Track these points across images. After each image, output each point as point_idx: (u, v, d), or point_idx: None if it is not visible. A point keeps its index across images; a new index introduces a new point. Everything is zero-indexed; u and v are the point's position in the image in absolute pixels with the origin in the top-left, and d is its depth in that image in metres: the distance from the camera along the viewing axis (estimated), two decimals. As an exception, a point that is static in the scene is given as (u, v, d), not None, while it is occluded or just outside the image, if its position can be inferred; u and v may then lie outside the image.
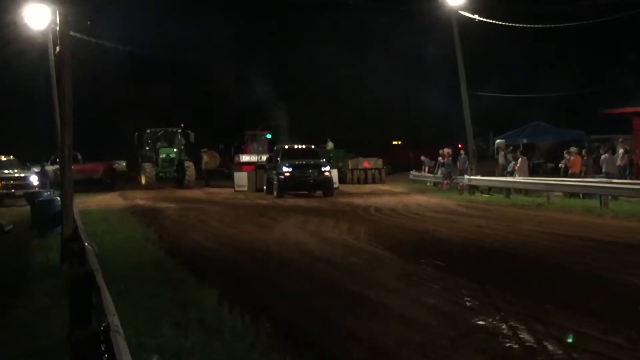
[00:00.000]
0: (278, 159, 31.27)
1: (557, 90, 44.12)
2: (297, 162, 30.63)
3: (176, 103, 55.33)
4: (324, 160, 31.82)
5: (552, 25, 34.12)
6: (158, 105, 53.16)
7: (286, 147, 32.68)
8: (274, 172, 31.21)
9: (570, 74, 46.65)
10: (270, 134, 41.19)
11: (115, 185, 39.44)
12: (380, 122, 55.55)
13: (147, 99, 53.50)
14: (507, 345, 7.25)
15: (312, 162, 30.85)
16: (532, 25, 34.29)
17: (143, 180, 39.57)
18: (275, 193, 30.81)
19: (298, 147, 32.54)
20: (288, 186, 30.56)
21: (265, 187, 33.20)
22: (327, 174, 31.02)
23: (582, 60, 48.96)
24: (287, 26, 56.69)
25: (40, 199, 19.47)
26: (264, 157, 35.73)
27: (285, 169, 30.35)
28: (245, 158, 38.08)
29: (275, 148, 34.37)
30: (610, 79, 42.07)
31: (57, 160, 37.67)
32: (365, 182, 40.56)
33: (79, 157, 38.59)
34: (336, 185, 33.65)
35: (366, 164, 41.92)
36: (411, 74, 44.98)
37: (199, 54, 42.57)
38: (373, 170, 41.74)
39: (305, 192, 31.22)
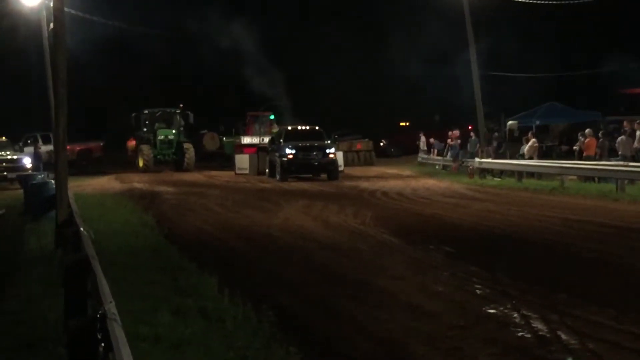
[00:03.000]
0: (281, 140, 30.61)
1: (572, 70, 43.56)
2: (300, 144, 29.87)
3: (174, 82, 54.89)
4: (329, 141, 31.27)
5: (566, 2, 33.52)
6: (155, 84, 52.82)
7: (289, 128, 32.07)
8: (277, 154, 30.45)
9: (586, 52, 46.08)
10: (273, 114, 40.45)
11: (88, 168, 38.27)
12: (387, 102, 55.11)
13: (142, 78, 53.14)
14: (519, 334, 7.14)
15: (316, 144, 30.14)
16: (547, 2, 33.73)
17: (140, 163, 38.66)
18: (277, 176, 30.11)
19: (302, 128, 31.91)
20: (291, 169, 29.84)
21: (267, 170, 32.39)
22: (332, 156, 30.33)
23: (599, 38, 48.31)
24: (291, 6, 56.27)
25: (34, 182, 19.20)
26: (267, 139, 35.18)
27: (288, 150, 29.64)
28: (246, 140, 37.64)
29: (278, 129, 33.75)
30: (628, 58, 41.40)
31: (29, 142, 37.74)
32: (358, 164, 40.16)
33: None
34: (341, 168, 33.03)
35: (359, 145, 41.69)
36: (420, 52, 44.45)
37: (198, 31, 41.77)
38: (364, 152, 41.54)
39: (309, 176, 30.65)
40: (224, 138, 43.80)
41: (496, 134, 33.90)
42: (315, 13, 55.86)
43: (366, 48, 54.57)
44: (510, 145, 31.36)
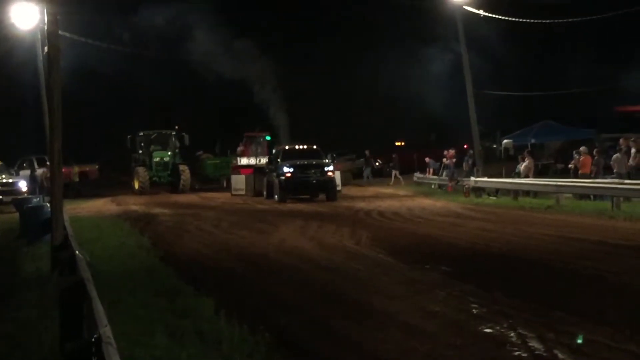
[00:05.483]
0: (278, 160, 30.42)
1: (567, 88, 43.76)
2: (298, 162, 29.70)
3: (170, 103, 54.98)
4: (327, 160, 31.13)
5: (561, 20, 33.72)
6: (151, 106, 52.91)
7: (287, 147, 31.92)
8: (275, 174, 30.27)
9: (581, 71, 46.32)
10: (269, 135, 40.42)
11: (82, 191, 37.95)
12: (382, 122, 55.26)
13: (139, 99, 53.27)
14: (516, 354, 7.11)
15: (314, 162, 29.93)
16: (540, 20, 33.93)
17: (136, 185, 38.72)
18: (276, 197, 29.82)
19: (299, 147, 31.71)
20: (289, 188, 29.50)
21: (265, 192, 32.16)
22: (330, 174, 30.07)
23: (593, 57, 48.56)
24: (289, 23, 56.46)
25: (29, 205, 19.20)
26: (263, 160, 35.12)
27: (286, 169, 29.40)
28: (243, 161, 37.62)
29: (275, 149, 33.68)
30: (623, 76, 41.63)
31: (24, 165, 37.62)
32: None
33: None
34: (339, 187, 32.78)
35: (338, 166, 41.67)
36: (415, 72, 44.65)
37: (193, 50, 41.88)
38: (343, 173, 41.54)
39: (307, 197, 30.41)
40: (207, 159, 43.87)
41: (471, 151, 34.08)
42: (311, 33, 56.16)
43: (361, 68, 54.84)
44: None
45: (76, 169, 39.78)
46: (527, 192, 26.56)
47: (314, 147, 31.80)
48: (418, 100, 46.24)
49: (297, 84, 49.20)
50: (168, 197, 36.27)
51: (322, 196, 30.33)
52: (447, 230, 17.67)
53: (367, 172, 43.38)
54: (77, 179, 39.78)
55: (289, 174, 29.37)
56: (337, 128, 52.69)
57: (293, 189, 29.71)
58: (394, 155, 44.17)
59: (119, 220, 22.90)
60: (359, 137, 51.58)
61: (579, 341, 7.20)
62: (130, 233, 18.60)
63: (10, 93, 47.83)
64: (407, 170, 43.25)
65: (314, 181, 29.80)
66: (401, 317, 8.68)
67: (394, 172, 42.14)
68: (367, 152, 44.19)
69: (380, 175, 46.16)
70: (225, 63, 38.43)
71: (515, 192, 26.43)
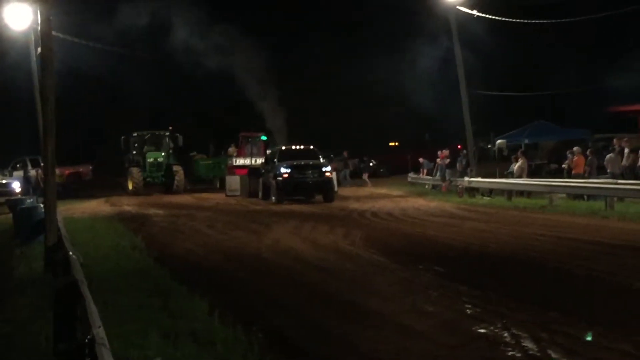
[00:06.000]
0: (275, 160, 30.09)
1: (561, 88, 43.89)
2: (295, 163, 29.32)
3: (165, 104, 54.94)
4: (325, 160, 30.91)
5: (554, 21, 33.78)
6: (148, 106, 52.89)
7: (283, 147, 31.64)
8: (271, 174, 29.91)
9: (574, 71, 46.43)
10: (266, 135, 40.28)
11: (74, 192, 37.62)
12: (377, 123, 55.29)
13: (135, 100, 53.27)
14: (510, 354, 7.10)
15: (311, 163, 29.55)
16: (533, 21, 33.98)
17: (130, 186, 38.70)
18: (273, 198, 29.50)
19: (296, 148, 31.37)
20: (287, 189, 29.08)
21: (260, 193, 31.76)
22: (328, 174, 29.73)
23: (586, 57, 48.66)
24: (282, 23, 56.50)
25: (23, 206, 19.16)
26: (259, 160, 34.94)
27: (283, 169, 28.98)
28: (239, 161, 37.48)
29: (271, 150, 33.35)
30: (616, 76, 41.73)
31: (18, 165, 37.50)
32: None
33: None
34: (335, 188, 32.41)
35: (333, 166, 41.52)
36: (410, 72, 44.68)
37: (190, 50, 41.73)
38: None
39: (303, 198, 29.99)
40: (200, 160, 43.85)
41: (465, 151, 34.14)
42: (304, 33, 56.22)
43: (356, 68, 54.89)
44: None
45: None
46: (521, 192, 26.59)
47: (311, 147, 31.42)
48: (414, 100, 46.24)
49: (296, 84, 49.30)
50: (162, 197, 36.20)
51: (318, 197, 29.96)
52: (441, 230, 17.67)
53: (344, 173, 43.33)
54: (59, 180, 39.54)
55: (286, 175, 28.95)
56: (334, 128, 52.73)
57: (290, 189, 29.27)
58: (364, 158, 44.01)
59: (113, 221, 22.86)
60: (355, 137, 51.61)
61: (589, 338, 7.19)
62: (124, 234, 18.56)
63: (5, 94, 47.74)
64: (401, 171, 43.34)
65: (311, 182, 29.40)
66: (395, 317, 8.68)
67: (364, 174, 42.03)
68: (345, 153, 44.06)
69: (375, 175, 46.16)
70: (223, 63, 38.40)
71: (509, 192, 26.46)
